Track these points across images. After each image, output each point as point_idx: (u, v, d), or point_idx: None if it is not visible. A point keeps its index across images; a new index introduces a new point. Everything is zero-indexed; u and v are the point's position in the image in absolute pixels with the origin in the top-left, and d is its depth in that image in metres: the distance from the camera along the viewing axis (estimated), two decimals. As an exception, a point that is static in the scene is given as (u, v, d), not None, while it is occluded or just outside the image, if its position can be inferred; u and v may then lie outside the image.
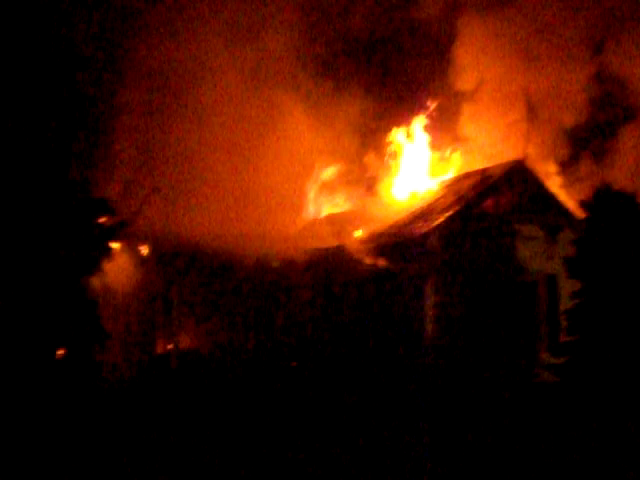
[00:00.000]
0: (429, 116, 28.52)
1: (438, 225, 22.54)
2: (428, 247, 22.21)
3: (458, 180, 25.86)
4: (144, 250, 24.14)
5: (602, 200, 18.34)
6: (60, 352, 16.20)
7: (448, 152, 28.07)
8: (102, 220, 17.72)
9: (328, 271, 23.52)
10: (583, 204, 18.94)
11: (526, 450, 14.86)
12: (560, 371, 18.27)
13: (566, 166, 25.01)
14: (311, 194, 28.16)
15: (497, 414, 17.80)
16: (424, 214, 23.92)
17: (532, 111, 24.47)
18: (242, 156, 23.70)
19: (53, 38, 16.63)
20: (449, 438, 15.85)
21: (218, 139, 23.49)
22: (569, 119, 25.14)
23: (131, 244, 23.13)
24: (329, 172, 28.36)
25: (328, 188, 28.96)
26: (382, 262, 22.49)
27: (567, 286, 19.74)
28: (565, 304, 19.74)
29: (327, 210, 28.88)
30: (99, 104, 19.32)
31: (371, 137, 28.68)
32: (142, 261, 23.79)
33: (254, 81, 24.52)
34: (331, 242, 23.60)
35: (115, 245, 20.81)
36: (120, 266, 22.29)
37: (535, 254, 22.52)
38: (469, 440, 15.69)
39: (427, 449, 15.10)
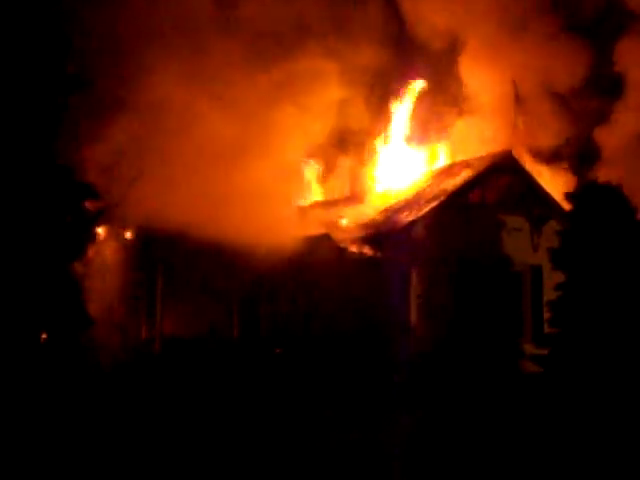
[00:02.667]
0: (418, 105, 28.51)
1: (424, 215, 22.59)
2: (414, 236, 22.25)
3: (445, 170, 25.91)
4: (128, 235, 24.00)
5: (588, 192, 18.39)
6: (43, 336, 16.08)
7: (437, 142, 28.09)
8: (87, 204, 17.56)
9: (314, 259, 23.46)
10: (569, 196, 18.96)
11: (508, 439, 14.93)
12: (543, 362, 18.36)
13: (552, 158, 25.11)
14: (299, 181, 28.10)
15: (480, 403, 17.88)
16: (410, 204, 23.95)
17: (520, 102, 24.51)
18: (229, 142, 23.57)
19: (41, 21, 16.44)
20: (433, 427, 15.91)
21: (206, 126, 23.35)
22: (556, 110, 25.21)
23: (115, 229, 23.00)
24: (317, 159, 28.35)
25: (316, 175, 28.95)
26: (368, 251, 22.50)
27: (551, 278, 19.81)
28: (549, 295, 19.84)
29: (314, 198, 28.83)
30: (86, 88, 19.09)
31: (359, 126, 28.60)
32: (126, 246, 23.65)
33: (244, 69, 24.36)
34: (317, 230, 23.56)
35: (99, 230, 20.69)
36: (104, 251, 22.18)
37: (520, 245, 22.58)
38: (453, 429, 15.75)
39: (411, 438, 15.12)
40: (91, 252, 18.49)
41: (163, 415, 16.76)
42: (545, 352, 18.57)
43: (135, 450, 14.14)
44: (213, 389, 19.15)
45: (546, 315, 19.59)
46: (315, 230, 23.52)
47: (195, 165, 23.12)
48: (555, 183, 24.09)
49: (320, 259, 23.18)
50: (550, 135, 25.47)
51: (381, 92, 29.19)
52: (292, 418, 16.71)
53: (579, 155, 24.57)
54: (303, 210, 27.51)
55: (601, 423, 15.73)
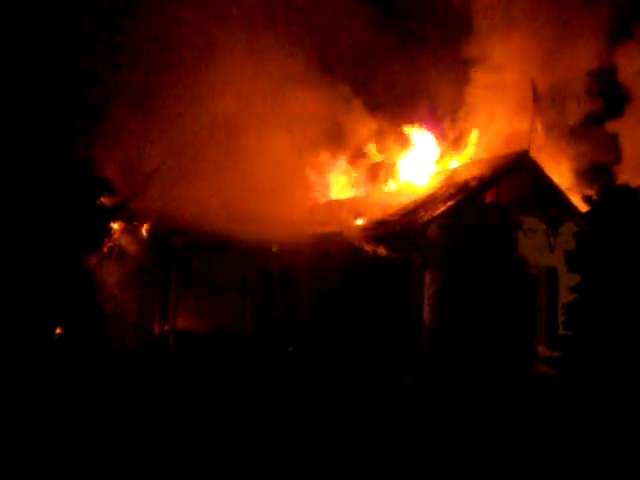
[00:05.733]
0: (435, 105, 28.44)
1: (439, 214, 22.43)
2: (428, 236, 22.11)
3: (462, 169, 25.77)
4: (144, 230, 24.07)
5: (606, 195, 18.29)
6: (58, 331, 16.16)
7: (452, 141, 27.99)
8: (103, 200, 17.64)
9: (328, 257, 23.45)
10: (586, 198, 18.88)
11: (521, 441, 14.89)
12: (557, 364, 18.30)
13: (570, 159, 24.98)
14: (313, 179, 28.07)
15: (493, 405, 17.82)
16: (426, 203, 23.83)
17: (539, 102, 24.36)
18: (245, 137, 23.59)
19: (54, 17, 16.51)
20: (446, 428, 15.87)
21: (221, 120, 23.36)
22: (575, 111, 25.09)
23: (131, 224, 23.07)
24: (333, 158, 28.32)
25: (331, 174, 28.90)
26: (382, 250, 22.42)
27: (567, 280, 19.73)
28: (564, 298, 19.76)
29: (329, 196, 28.80)
30: (102, 83, 19.17)
31: (376, 124, 28.59)
32: (141, 241, 23.72)
33: (258, 62, 24.35)
34: (332, 228, 23.52)
35: (115, 225, 20.77)
36: (119, 246, 22.25)
37: (536, 246, 22.45)
38: (466, 430, 15.71)
39: (424, 438, 15.10)
40: (106, 247, 18.58)
41: (173, 409, 16.79)
42: (559, 354, 18.53)
43: (141, 441, 14.18)
44: (223, 386, 19.16)
45: (561, 317, 19.52)
46: (330, 228, 23.48)
47: (210, 161, 23.17)
48: (572, 184, 23.98)
49: (334, 257, 23.18)
50: (569, 135, 25.33)
51: (399, 90, 29.26)
52: (297, 417, 16.66)
53: (598, 156, 24.37)
54: (319, 207, 27.50)
55: (615, 426, 15.67)
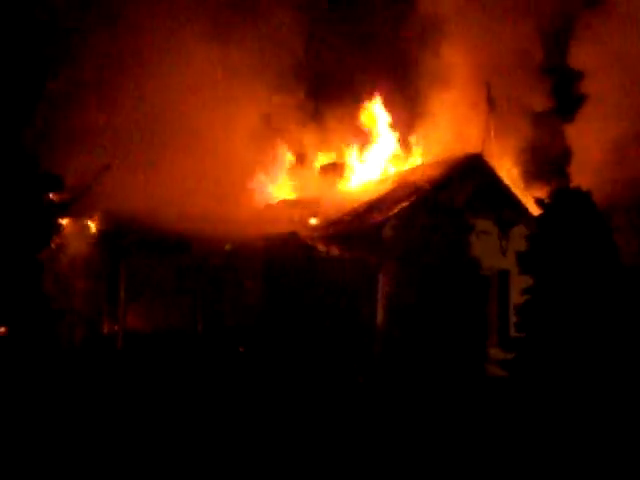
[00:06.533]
0: (389, 105, 28.48)
1: (393, 215, 22.46)
2: (382, 237, 22.11)
3: (415, 171, 25.83)
4: (93, 228, 23.64)
5: (558, 197, 18.41)
6: (1, 330, 15.74)
7: (406, 142, 28.06)
8: (51, 195, 17.25)
9: (280, 257, 23.28)
10: (538, 200, 18.98)
11: (470, 442, 14.93)
12: (509, 366, 18.37)
13: (523, 161, 25.19)
14: (266, 178, 27.92)
15: (444, 406, 17.85)
16: (379, 204, 23.82)
17: (493, 105, 24.53)
18: (198, 136, 23.33)
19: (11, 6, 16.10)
20: (396, 429, 15.84)
21: (174, 118, 23.09)
22: (527, 113, 25.30)
23: (80, 221, 22.63)
24: (286, 157, 28.19)
25: (284, 173, 28.77)
26: (336, 250, 22.35)
27: (518, 282, 19.83)
28: (516, 300, 19.85)
29: (282, 195, 28.65)
30: (52, 77, 18.76)
31: (331, 124, 28.55)
32: (90, 239, 23.30)
33: (214, 61, 24.14)
34: (285, 228, 23.37)
35: (64, 221, 20.32)
36: (68, 243, 21.81)
37: (488, 249, 22.56)
38: (416, 431, 15.70)
39: (374, 441, 15.04)
40: (54, 244, 18.16)
41: (115, 408, 16.49)
42: (510, 356, 18.59)
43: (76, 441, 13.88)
44: (169, 385, 18.88)
45: (513, 319, 19.62)
46: (283, 228, 23.33)
47: (161, 158, 22.86)
48: (524, 187, 24.16)
49: (287, 257, 23.01)
50: (521, 139, 25.52)
51: (351, 90, 29.25)
52: (244, 417, 16.48)
53: (550, 160, 24.59)
54: (272, 207, 27.34)
55: (565, 427, 15.80)
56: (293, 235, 22.81)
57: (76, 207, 21.38)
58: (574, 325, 17.60)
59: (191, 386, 19.00)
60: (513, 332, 19.47)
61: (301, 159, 29.05)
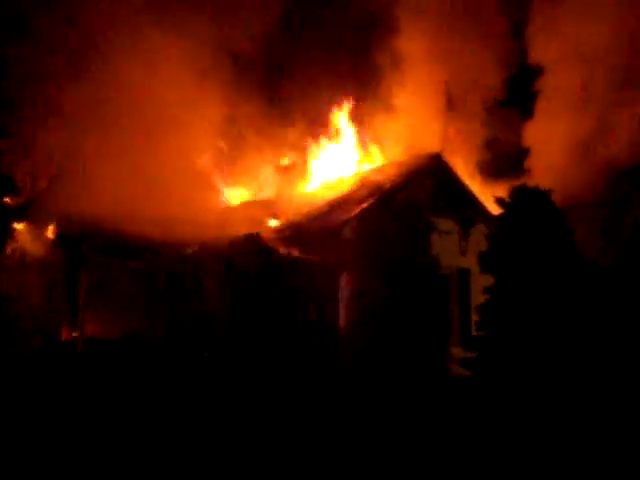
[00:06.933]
0: (350, 107, 28.46)
1: (354, 216, 22.43)
2: (343, 238, 22.06)
3: (376, 171, 25.82)
4: (50, 232, 23.26)
5: (518, 197, 18.47)
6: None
7: (367, 142, 28.04)
8: (6, 199, 16.90)
9: (241, 259, 23.09)
10: (499, 200, 19.02)
11: (434, 442, 14.93)
12: (471, 365, 18.39)
13: (482, 161, 25.29)
14: (226, 180, 27.74)
15: (406, 406, 17.84)
16: (341, 204, 23.77)
17: (451, 105, 24.61)
18: (158, 140, 23.09)
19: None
20: (361, 430, 15.79)
21: (134, 122, 22.82)
22: (488, 114, 25.41)
23: (36, 225, 22.25)
24: (247, 159, 28.05)
25: (245, 174, 28.61)
26: (297, 252, 22.23)
27: (480, 281, 19.88)
28: (477, 299, 19.90)
29: (243, 197, 28.48)
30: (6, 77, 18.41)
31: (290, 125, 28.45)
32: (47, 244, 22.93)
33: (165, 61, 23.89)
34: (246, 230, 23.18)
35: (19, 226, 19.96)
36: (23, 248, 21.43)
37: (449, 248, 22.64)
38: (381, 432, 15.66)
39: (339, 442, 14.96)
40: (9, 249, 17.81)
41: (75, 414, 16.23)
42: (472, 355, 18.62)
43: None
44: (128, 391, 18.64)
45: (474, 318, 19.66)
46: (244, 229, 23.15)
47: (122, 162, 22.59)
48: (484, 187, 24.24)
49: (249, 259, 22.83)
50: (480, 137, 25.63)
51: (313, 92, 29.18)
52: (215, 423, 16.33)
53: (509, 159, 24.71)
54: (233, 209, 27.15)
55: (527, 426, 15.84)
56: (254, 237, 22.63)
57: (33, 211, 21.01)
58: (535, 323, 17.66)
59: (149, 391, 18.75)
60: (474, 331, 19.49)
61: (262, 160, 28.89)
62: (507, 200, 18.69)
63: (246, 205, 27.58)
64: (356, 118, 29.00)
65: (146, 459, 13.64)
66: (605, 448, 14.14)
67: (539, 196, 18.32)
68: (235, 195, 28.46)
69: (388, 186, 23.33)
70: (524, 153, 23.77)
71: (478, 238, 20.86)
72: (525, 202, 18.35)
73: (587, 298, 18.27)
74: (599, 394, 16.78)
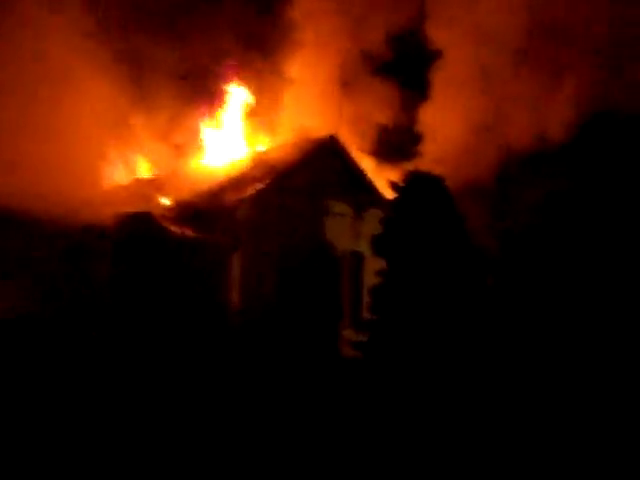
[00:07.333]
0: (246, 84, 28.13)
1: (248, 197, 22.27)
2: (237, 218, 21.91)
3: (271, 152, 25.64)
4: None
5: (411, 182, 18.68)
6: None
7: (263, 122, 27.81)
8: None
9: (132, 238, 22.57)
10: (393, 184, 19.19)
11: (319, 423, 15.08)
12: (363, 348, 18.56)
13: (378, 145, 25.44)
14: (117, 157, 27.07)
15: (295, 387, 17.92)
16: (235, 184, 23.53)
17: (349, 88, 24.66)
18: (47, 117, 22.27)
19: None
20: (249, 412, 15.80)
21: (21, 100, 21.96)
22: (384, 100, 25.52)
23: None
24: (138, 135, 27.39)
25: (137, 151, 27.98)
26: (189, 231, 21.90)
27: (372, 264, 20.04)
28: (370, 282, 20.06)
29: (134, 175, 27.85)
30: None
31: (183, 101, 27.96)
32: None
33: (52, 40, 23.05)
34: (137, 208, 22.67)
35: None
36: None
37: (343, 231, 22.72)
38: (268, 412, 15.72)
39: (229, 423, 14.94)
40: None
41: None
42: (363, 338, 18.79)
43: None
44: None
45: (366, 301, 19.82)
46: (135, 208, 22.63)
47: (12, 140, 21.75)
48: (379, 171, 24.41)
49: (140, 238, 22.35)
50: (375, 122, 25.76)
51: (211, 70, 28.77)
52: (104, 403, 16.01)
53: (405, 143, 24.88)
54: (125, 187, 26.54)
55: (418, 408, 16.15)
56: (145, 215, 22.15)
57: None
58: (426, 307, 17.95)
59: (31, 373, 18.21)
60: (367, 314, 19.66)
61: (156, 137, 28.27)
62: (401, 185, 18.87)
63: (140, 183, 26.98)
64: (252, 97, 28.71)
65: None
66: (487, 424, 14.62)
67: (432, 181, 18.58)
68: (126, 173, 27.78)
69: (283, 167, 23.24)
70: (419, 137, 23.97)
71: (372, 222, 20.95)
72: (418, 187, 18.58)
73: (476, 282, 18.68)
74: (486, 377, 17.25)
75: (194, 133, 28.62)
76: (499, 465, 13.85)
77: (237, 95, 28.82)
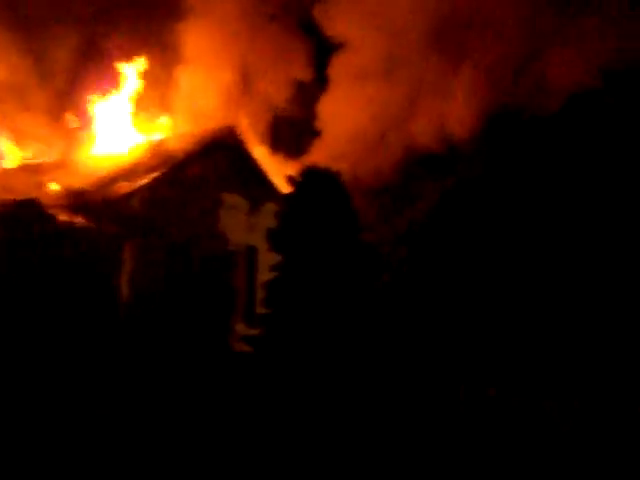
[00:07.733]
0: (144, 71, 27.46)
1: (140, 187, 21.87)
2: (129, 208, 21.45)
3: (167, 141, 25.14)
4: None
5: (308, 177, 18.64)
6: None
7: (159, 112, 27.28)
8: None
9: (19, 227, 21.77)
10: (289, 179, 19.12)
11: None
12: (255, 342, 18.46)
13: (274, 140, 25.29)
14: (4, 141, 26.14)
15: (186, 380, 17.72)
16: (127, 174, 23.04)
17: (247, 80, 24.42)
18: None
19: None
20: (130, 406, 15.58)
21: None
22: (282, 95, 25.32)
23: None
24: (26, 118, 26.48)
25: (26, 136, 27.04)
26: (80, 220, 21.28)
27: (267, 258, 19.89)
28: (264, 276, 19.92)
29: (22, 160, 26.92)
30: None
31: (78, 85, 27.19)
32: None
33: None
34: (23, 195, 21.86)
35: None
36: None
37: (237, 225, 22.54)
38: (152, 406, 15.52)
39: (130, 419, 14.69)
40: None
41: None
42: (256, 332, 18.68)
43: None
44: None
45: (259, 296, 19.70)
46: (20, 195, 21.82)
47: None
48: (275, 165, 24.29)
49: (26, 227, 21.57)
50: (272, 115, 25.59)
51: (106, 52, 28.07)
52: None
53: (303, 138, 24.77)
54: (9, 172, 25.62)
55: (304, 403, 16.17)
56: (31, 203, 21.36)
57: None
58: (317, 301, 17.96)
59: None
60: (260, 309, 19.52)
61: (45, 121, 27.34)
62: (297, 179, 18.81)
63: (27, 169, 26.04)
64: (150, 84, 28.04)
65: None
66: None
67: (328, 177, 18.59)
68: (13, 157, 26.84)
69: (179, 157, 22.89)
70: (318, 132, 23.90)
71: (268, 216, 20.83)
72: (313, 182, 18.56)
73: (367, 278, 18.80)
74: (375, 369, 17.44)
75: (88, 118, 27.81)
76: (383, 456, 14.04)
77: (133, 81, 28.13)
